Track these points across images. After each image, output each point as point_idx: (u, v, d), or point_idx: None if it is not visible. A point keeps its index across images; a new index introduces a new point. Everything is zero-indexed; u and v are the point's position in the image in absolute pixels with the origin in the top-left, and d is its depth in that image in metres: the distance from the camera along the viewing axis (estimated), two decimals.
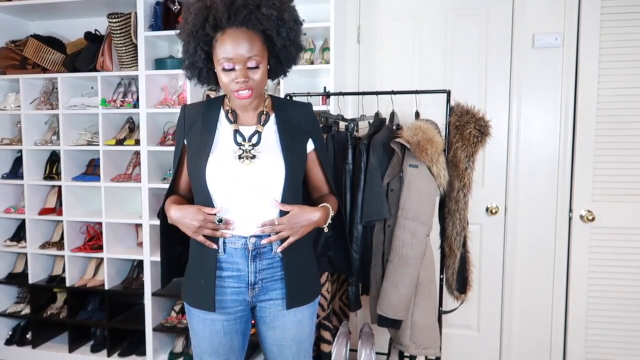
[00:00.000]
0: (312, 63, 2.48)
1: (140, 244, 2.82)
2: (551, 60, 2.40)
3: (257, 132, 1.35)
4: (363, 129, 2.25)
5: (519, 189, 2.49)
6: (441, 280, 2.12)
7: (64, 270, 2.83)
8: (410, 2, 2.57)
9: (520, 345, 2.55)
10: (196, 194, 1.38)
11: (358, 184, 1.98)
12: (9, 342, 2.91)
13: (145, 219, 2.63)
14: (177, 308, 2.76)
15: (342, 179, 2.02)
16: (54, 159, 2.90)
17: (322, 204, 1.40)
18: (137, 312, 2.78)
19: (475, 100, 2.45)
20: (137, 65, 2.58)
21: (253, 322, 1.47)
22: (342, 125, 2.17)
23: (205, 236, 1.32)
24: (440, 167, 1.88)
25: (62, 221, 2.80)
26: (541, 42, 2.39)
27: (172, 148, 2.32)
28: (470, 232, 2.11)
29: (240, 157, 1.32)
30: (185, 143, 1.40)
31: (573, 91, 2.39)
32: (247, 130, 1.36)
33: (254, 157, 1.32)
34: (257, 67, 1.27)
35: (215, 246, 1.33)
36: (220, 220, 1.27)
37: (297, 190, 1.40)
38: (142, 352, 2.70)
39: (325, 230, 1.41)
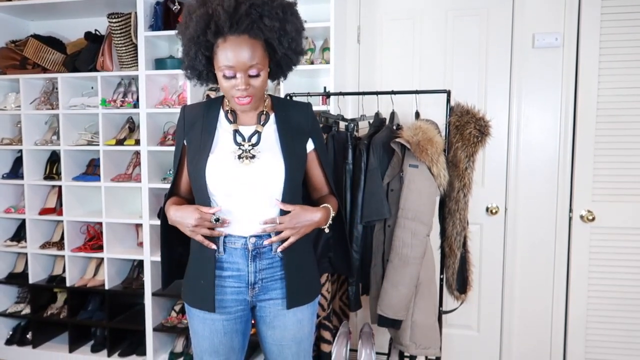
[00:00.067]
0: (312, 63, 2.48)
1: (140, 244, 2.82)
2: (551, 60, 2.40)
3: (256, 132, 1.36)
4: (363, 129, 2.25)
5: (519, 189, 2.49)
6: (441, 280, 2.12)
7: (64, 270, 2.84)
8: (410, 2, 2.57)
9: (520, 345, 2.55)
10: (196, 195, 1.38)
11: (358, 184, 1.98)
12: (9, 342, 2.91)
13: (146, 219, 2.63)
14: (177, 308, 2.76)
15: (342, 179, 2.02)
16: (54, 159, 2.90)
17: (322, 205, 1.40)
18: (138, 312, 2.79)
19: (475, 100, 2.45)
20: (137, 65, 2.58)
21: (253, 322, 1.47)
22: (342, 125, 2.17)
23: (205, 236, 1.32)
24: (440, 167, 1.88)
25: (62, 221, 2.80)
26: (541, 42, 2.39)
27: (172, 148, 2.32)
28: (470, 232, 2.11)
29: (240, 157, 1.32)
30: (185, 144, 1.40)
31: (573, 91, 2.39)
32: (246, 130, 1.36)
33: (253, 157, 1.32)
34: (258, 75, 1.27)
35: (214, 246, 1.33)
36: (217, 220, 1.27)
37: (297, 190, 1.40)
38: (143, 352, 2.70)
39: (326, 230, 1.42)
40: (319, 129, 1.47)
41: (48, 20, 2.99)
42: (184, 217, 1.29)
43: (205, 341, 1.40)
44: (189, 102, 2.54)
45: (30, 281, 2.85)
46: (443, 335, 2.21)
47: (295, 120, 1.41)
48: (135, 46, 2.57)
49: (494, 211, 2.52)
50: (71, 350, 2.79)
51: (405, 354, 2.04)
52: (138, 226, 2.87)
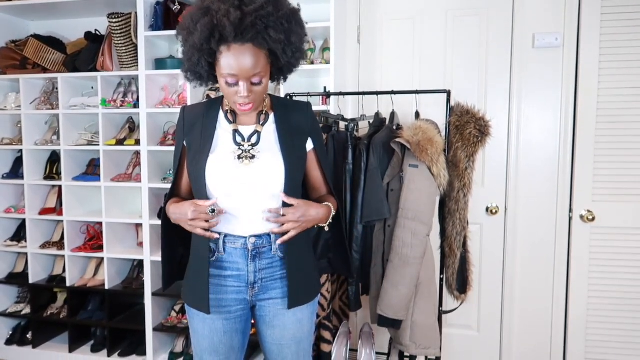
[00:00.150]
0: (312, 63, 2.48)
1: (140, 244, 2.82)
2: (551, 60, 2.40)
3: (256, 132, 1.36)
4: (363, 129, 2.25)
5: (519, 189, 2.49)
6: (441, 280, 2.12)
7: (64, 270, 2.84)
8: (410, 2, 2.57)
9: (520, 345, 2.55)
10: (196, 195, 1.38)
11: (358, 184, 1.98)
12: (9, 342, 2.91)
13: (146, 219, 2.63)
14: (177, 308, 2.76)
15: (342, 179, 2.02)
16: (54, 159, 2.90)
17: (324, 203, 1.40)
18: (138, 312, 2.79)
19: (476, 100, 2.45)
20: (137, 65, 2.58)
21: (253, 321, 1.47)
22: (342, 125, 2.17)
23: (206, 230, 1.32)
24: (440, 167, 1.88)
25: (62, 221, 2.80)
26: (541, 42, 2.39)
27: (172, 148, 2.32)
28: (470, 232, 2.11)
29: (239, 157, 1.32)
30: (185, 144, 1.40)
31: (573, 91, 2.39)
32: (246, 130, 1.36)
33: (253, 157, 1.32)
34: (260, 83, 1.27)
35: (216, 235, 1.33)
36: (212, 211, 1.27)
37: (297, 190, 1.40)
38: (143, 352, 2.70)
39: (326, 229, 1.42)
40: (318, 128, 1.47)
41: (48, 20, 2.99)
42: (182, 212, 1.29)
43: (205, 340, 1.40)
44: (189, 102, 2.54)
45: (31, 281, 2.85)
46: (443, 335, 2.21)
47: (295, 120, 1.41)
48: (136, 46, 2.57)
49: (494, 211, 2.52)
50: (71, 350, 2.79)
51: (405, 354, 2.04)
52: (138, 226, 2.87)
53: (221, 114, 1.40)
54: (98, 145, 2.70)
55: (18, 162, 2.94)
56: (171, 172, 2.63)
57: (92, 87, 2.86)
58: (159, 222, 2.54)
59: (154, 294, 2.64)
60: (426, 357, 2.22)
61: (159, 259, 1.52)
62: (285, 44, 1.25)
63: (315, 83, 2.68)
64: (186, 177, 1.44)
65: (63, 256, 2.84)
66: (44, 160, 2.92)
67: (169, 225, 1.45)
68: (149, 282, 2.63)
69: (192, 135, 1.38)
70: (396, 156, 1.96)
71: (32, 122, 2.83)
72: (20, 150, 2.87)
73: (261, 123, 1.37)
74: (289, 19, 1.25)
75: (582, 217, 2.40)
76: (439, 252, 2.10)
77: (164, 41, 2.70)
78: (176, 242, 1.50)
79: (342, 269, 1.80)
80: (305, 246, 1.44)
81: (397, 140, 1.90)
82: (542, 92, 2.43)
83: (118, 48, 2.56)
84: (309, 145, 1.43)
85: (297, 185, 1.40)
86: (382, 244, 2.00)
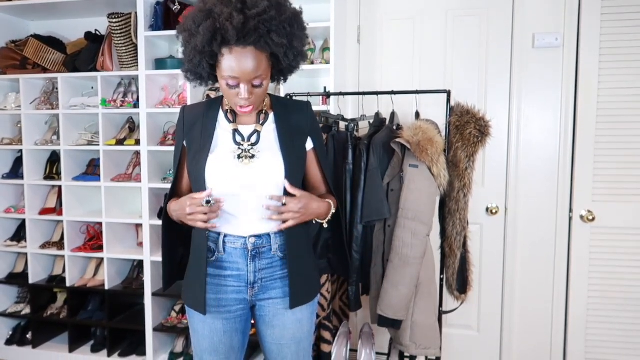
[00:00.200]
0: (312, 63, 2.48)
1: (140, 244, 2.82)
2: (551, 60, 2.40)
3: (256, 131, 1.36)
4: (363, 129, 2.25)
5: (519, 189, 2.49)
6: (441, 280, 2.12)
7: (64, 270, 2.83)
8: (410, 2, 2.57)
9: (520, 345, 2.55)
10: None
11: (358, 184, 1.98)
12: (9, 342, 2.91)
13: (146, 219, 2.63)
14: (177, 308, 2.76)
15: (343, 179, 2.02)
16: (54, 159, 2.90)
17: (325, 200, 1.41)
18: (138, 312, 2.78)
19: (476, 100, 2.45)
20: (137, 65, 2.58)
21: (253, 322, 1.47)
22: (342, 125, 2.17)
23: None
24: (440, 167, 1.88)
25: (62, 221, 2.80)
26: (541, 42, 2.39)
27: (172, 148, 2.32)
28: (470, 232, 2.11)
29: (239, 156, 1.32)
30: (185, 145, 1.40)
31: (573, 91, 2.39)
32: (246, 130, 1.36)
33: (253, 156, 1.32)
34: (261, 85, 1.27)
35: (217, 226, 1.32)
36: (208, 202, 1.27)
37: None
38: (143, 352, 2.70)
39: (325, 225, 1.42)
40: (318, 128, 1.47)
41: (48, 20, 2.99)
42: (181, 208, 1.30)
43: (205, 340, 1.40)
44: (189, 102, 2.54)
45: (30, 281, 2.85)
46: (443, 335, 2.21)
47: (295, 119, 1.41)
48: (136, 46, 2.57)
49: (494, 211, 2.52)
50: (71, 350, 2.79)
51: (406, 354, 2.04)
52: (138, 226, 2.87)
53: (221, 114, 1.40)
54: (98, 145, 2.70)
55: (18, 162, 2.94)
56: (171, 172, 2.63)
57: (92, 87, 2.86)
58: (159, 222, 2.54)
59: (154, 294, 2.64)
60: (426, 357, 2.22)
61: (159, 259, 1.52)
62: (287, 47, 1.25)
63: (315, 83, 2.68)
64: (186, 177, 1.44)
65: (63, 256, 2.84)
66: (44, 160, 2.92)
67: (170, 226, 1.45)
68: (149, 282, 2.63)
69: (192, 135, 1.38)
70: (396, 156, 1.96)
71: (32, 122, 2.83)
72: (20, 150, 2.87)
73: (261, 122, 1.37)
74: (292, 22, 1.25)
75: (582, 217, 2.40)
76: (439, 252, 2.10)
77: (164, 41, 2.70)
78: (176, 243, 1.50)
79: (340, 270, 1.80)
80: (306, 246, 1.44)
81: (397, 140, 1.90)
82: (542, 92, 2.43)
83: (118, 48, 2.56)
84: (309, 144, 1.43)
85: (297, 184, 1.40)
86: (382, 244, 2.00)
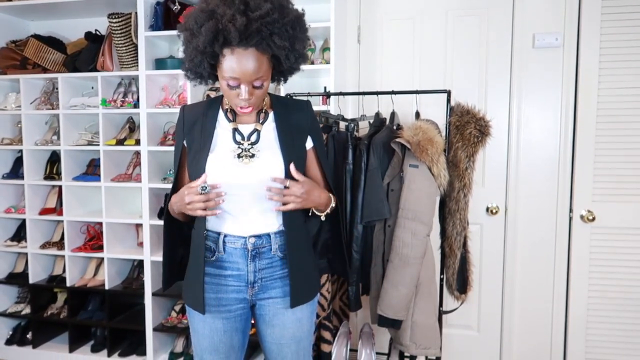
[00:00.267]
0: (312, 63, 2.48)
1: (140, 244, 2.82)
2: (551, 60, 2.40)
3: (255, 130, 1.36)
4: (363, 129, 2.25)
5: (519, 189, 2.49)
6: (441, 280, 2.12)
7: (64, 270, 2.84)
8: (410, 2, 2.57)
9: (520, 345, 2.55)
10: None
11: (358, 184, 1.98)
12: (9, 342, 2.91)
13: (146, 219, 2.63)
14: (177, 308, 2.76)
15: (343, 179, 2.02)
16: (54, 159, 2.90)
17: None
18: (138, 312, 2.78)
19: (476, 100, 2.45)
20: (137, 65, 2.58)
21: (253, 321, 1.47)
22: (342, 125, 2.17)
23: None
24: (440, 167, 1.88)
25: (62, 221, 2.80)
26: (541, 42, 2.39)
27: (172, 148, 2.32)
28: (470, 232, 2.11)
29: (239, 155, 1.32)
30: (185, 144, 1.40)
31: (573, 91, 2.39)
32: (246, 129, 1.36)
33: (253, 155, 1.32)
34: (261, 86, 1.27)
35: (218, 212, 1.32)
36: (204, 188, 1.27)
37: None
38: (143, 352, 2.70)
39: (322, 218, 1.41)
40: (318, 127, 1.47)
41: (48, 20, 2.99)
42: (180, 199, 1.30)
43: (206, 340, 1.40)
44: (189, 102, 2.54)
45: (31, 281, 2.85)
46: (443, 335, 2.21)
47: (295, 118, 1.41)
48: (136, 46, 2.57)
49: (494, 211, 2.52)
50: (71, 350, 2.79)
51: (406, 354, 2.04)
52: (138, 226, 2.87)
53: (221, 113, 1.40)
54: (98, 145, 2.70)
55: (18, 162, 2.94)
56: (171, 172, 2.63)
57: (92, 87, 2.86)
58: (159, 222, 2.55)
59: (154, 294, 2.64)
60: (426, 357, 2.22)
61: (159, 259, 1.52)
62: (288, 50, 1.25)
63: (315, 83, 2.68)
64: (186, 176, 1.44)
65: (63, 256, 2.84)
66: (44, 160, 2.92)
67: (171, 226, 1.45)
68: (149, 282, 2.63)
69: (192, 134, 1.38)
70: (396, 156, 1.96)
71: (32, 122, 2.83)
72: (21, 150, 2.87)
73: (261, 122, 1.37)
74: (294, 25, 1.24)
75: (582, 217, 2.40)
76: (439, 252, 2.10)
77: (164, 41, 2.70)
78: (177, 243, 1.50)
79: (339, 270, 1.78)
80: (306, 246, 1.44)
81: (397, 140, 1.90)
82: (542, 92, 2.43)
83: (118, 48, 2.56)
84: (309, 143, 1.43)
85: None
86: (382, 244, 2.00)
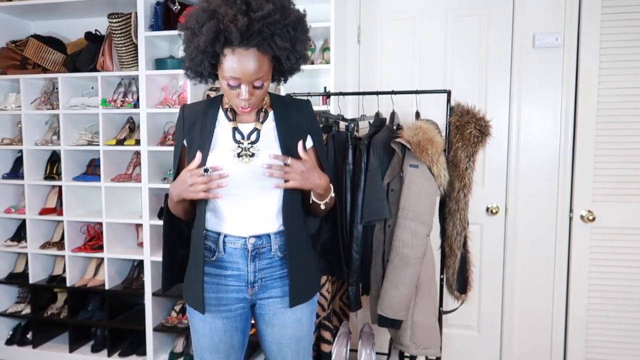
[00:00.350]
0: (312, 63, 2.48)
1: (140, 244, 2.82)
2: (551, 60, 2.40)
3: (255, 129, 1.36)
4: (363, 129, 2.25)
5: (519, 189, 2.49)
6: (441, 280, 2.12)
7: (64, 270, 2.84)
8: (410, 2, 2.57)
9: (520, 345, 2.55)
10: None
11: (358, 184, 1.98)
12: (9, 342, 2.91)
13: (146, 219, 2.63)
14: (177, 308, 2.76)
15: (342, 179, 2.02)
16: (54, 159, 2.90)
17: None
18: (138, 312, 2.78)
19: (476, 100, 2.45)
20: (137, 65, 2.58)
21: (253, 321, 1.47)
22: (342, 125, 2.17)
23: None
24: (440, 167, 1.88)
25: (62, 221, 2.80)
26: (541, 42, 2.39)
27: (173, 148, 2.32)
28: (470, 232, 2.11)
29: (239, 155, 1.32)
30: (185, 144, 1.40)
31: (573, 91, 2.39)
32: (245, 128, 1.36)
33: (252, 155, 1.32)
34: (262, 86, 1.27)
35: (220, 195, 1.31)
36: (206, 170, 1.26)
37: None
38: (143, 352, 2.70)
39: (322, 207, 1.39)
40: (317, 126, 1.47)
41: (48, 20, 2.99)
42: (180, 184, 1.29)
43: (206, 339, 1.40)
44: (189, 102, 2.54)
45: (31, 281, 2.85)
46: (443, 335, 2.21)
47: (295, 118, 1.41)
48: (136, 46, 2.57)
49: (494, 211, 2.52)
50: (71, 350, 2.79)
51: (406, 354, 2.04)
52: (138, 226, 2.87)
53: (221, 112, 1.39)
54: (98, 145, 2.70)
55: (18, 162, 2.94)
56: (171, 172, 2.63)
57: (92, 87, 2.86)
58: (159, 222, 2.55)
59: (154, 294, 2.64)
60: (426, 357, 2.22)
61: (159, 259, 1.52)
62: (290, 50, 1.25)
63: (315, 83, 2.68)
64: None
65: (63, 256, 2.84)
66: (44, 160, 2.92)
67: (171, 226, 1.45)
68: (149, 282, 2.63)
69: (192, 133, 1.38)
70: (396, 156, 1.96)
71: (32, 122, 2.83)
72: (21, 151, 2.87)
73: (260, 121, 1.37)
74: (295, 26, 1.24)
75: (582, 217, 2.40)
76: (439, 252, 2.10)
77: (164, 41, 2.70)
78: (177, 244, 1.50)
79: (335, 272, 1.78)
80: (305, 246, 1.44)
81: (397, 140, 1.90)
82: (542, 92, 2.43)
83: (118, 48, 2.57)
84: (308, 142, 1.43)
85: None
86: (382, 244, 2.00)
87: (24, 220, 2.89)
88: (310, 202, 1.39)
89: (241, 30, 1.16)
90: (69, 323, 2.80)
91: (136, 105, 2.65)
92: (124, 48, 2.55)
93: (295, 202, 1.40)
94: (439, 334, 2.00)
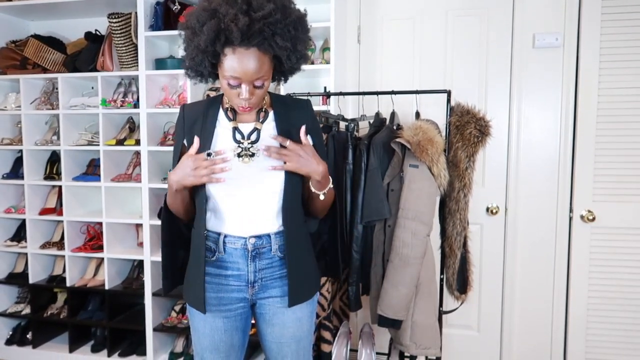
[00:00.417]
0: (312, 63, 2.48)
1: (140, 244, 2.82)
2: (551, 60, 2.40)
3: (255, 129, 1.35)
4: (363, 129, 2.25)
5: (519, 189, 2.49)
6: (441, 280, 2.12)
7: (64, 270, 2.83)
8: (410, 2, 2.57)
9: (520, 345, 2.55)
10: (196, 194, 1.38)
11: (358, 184, 1.98)
12: (9, 342, 2.91)
13: (146, 219, 2.63)
14: (177, 308, 2.76)
15: (343, 179, 2.02)
16: (54, 159, 2.90)
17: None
18: (138, 312, 2.78)
19: (476, 100, 2.45)
20: (137, 65, 2.58)
21: (253, 321, 1.47)
22: (342, 125, 2.17)
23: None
24: (440, 167, 1.88)
25: (62, 221, 2.80)
26: (541, 42, 2.39)
27: (172, 148, 2.32)
28: (470, 232, 2.11)
29: (239, 155, 1.32)
30: (185, 143, 1.40)
31: (573, 91, 2.39)
32: (246, 128, 1.36)
33: (253, 154, 1.32)
34: (262, 86, 1.27)
35: (223, 179, 1.31)
36: (209, 154, 1.27)
37: (297, 187, 1.39)
38: (143, 352, 2.70)
39: (321, 197, 1.38)
40: (317, 125, 1.46)
41: (48, 20, 2.99)
42: (182, 169, 1.29)
43: (206, 339, 1.40)
44: (189, 102, 2.53)
45: (31, 281, 2.85)
46: (443, 335, 2.21)
47: (295, 117, 1.40)
48: (136, 46, 2.57)
49: (494, 211, 2.52)
50: (71, 350, 2.79)
51: (406, 354, 2.04)
52: (138, 226, 2.87)
53: (221, 112, 1.39)
54: (98, 145, 2.70)
55: (18, 162, 2.94)
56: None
57: (92, 87, 2.86)
58: (159, 222, 2.55)
59: (154, 294, 2.64)
60: (426, 357, 2.22)
61: (159, 259, 1.52)
62: (290, 50, 1.25)
63: (315, 83, 2.68)
64: None
65: (63, 256, 2.84)
66: (44, 160, 2.92)
67: (169, 226, 1.45)
68: (149, 282, 2.63)
69: (193, 133, 1.38)
70: (396, 156, 1.96)
71: (32, 122, 2.83)
72: (21, 151, 2.87)
73: (261, 120, 1.37)
74: (296, 25, 1.24)
75: (582, 217, 2.40)
76: (439, 252, 2.10)
77: (164, 41, 2.70)
78: (177, 245, 1.49)
79: (331, 273, 1.77)
80: (305, 246, 1.44)
81: (397, 140, 1.90)
82: (542, 92, 2.43)
83: (118, 48, 2.57)
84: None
85: (297, 182, 1.39)
86: (382, 244, 2.00)
87: (24, 220, 2.89)
88: (310, 194, 1.38)
89: (242, 29, 1.16)
90: (68, 323, 2.80)
91: (136, 105, 2.65)
92: (124, 48, 2.55)
93: (296, 202, 1.39)
94: (439, 334, 2.00)
